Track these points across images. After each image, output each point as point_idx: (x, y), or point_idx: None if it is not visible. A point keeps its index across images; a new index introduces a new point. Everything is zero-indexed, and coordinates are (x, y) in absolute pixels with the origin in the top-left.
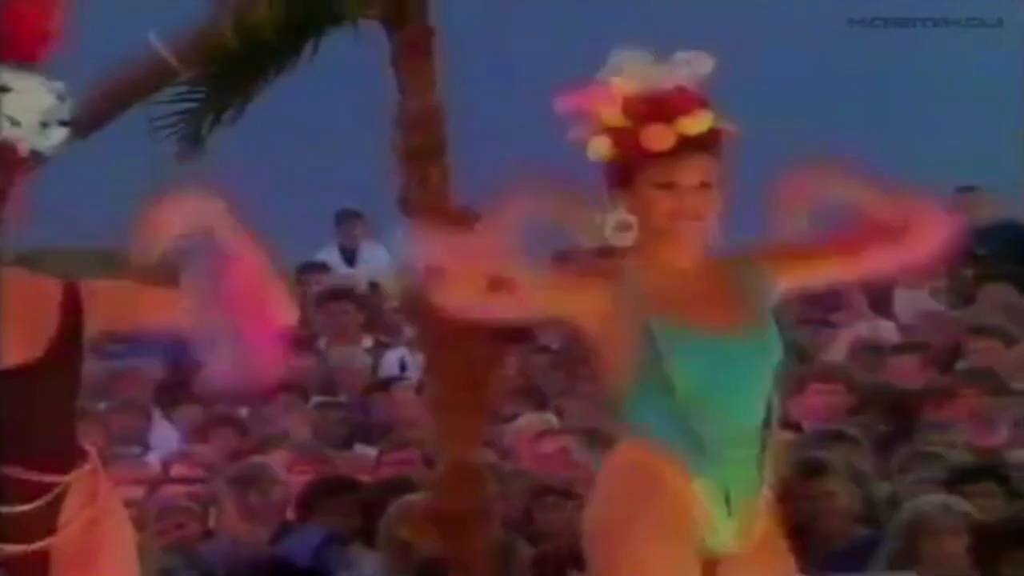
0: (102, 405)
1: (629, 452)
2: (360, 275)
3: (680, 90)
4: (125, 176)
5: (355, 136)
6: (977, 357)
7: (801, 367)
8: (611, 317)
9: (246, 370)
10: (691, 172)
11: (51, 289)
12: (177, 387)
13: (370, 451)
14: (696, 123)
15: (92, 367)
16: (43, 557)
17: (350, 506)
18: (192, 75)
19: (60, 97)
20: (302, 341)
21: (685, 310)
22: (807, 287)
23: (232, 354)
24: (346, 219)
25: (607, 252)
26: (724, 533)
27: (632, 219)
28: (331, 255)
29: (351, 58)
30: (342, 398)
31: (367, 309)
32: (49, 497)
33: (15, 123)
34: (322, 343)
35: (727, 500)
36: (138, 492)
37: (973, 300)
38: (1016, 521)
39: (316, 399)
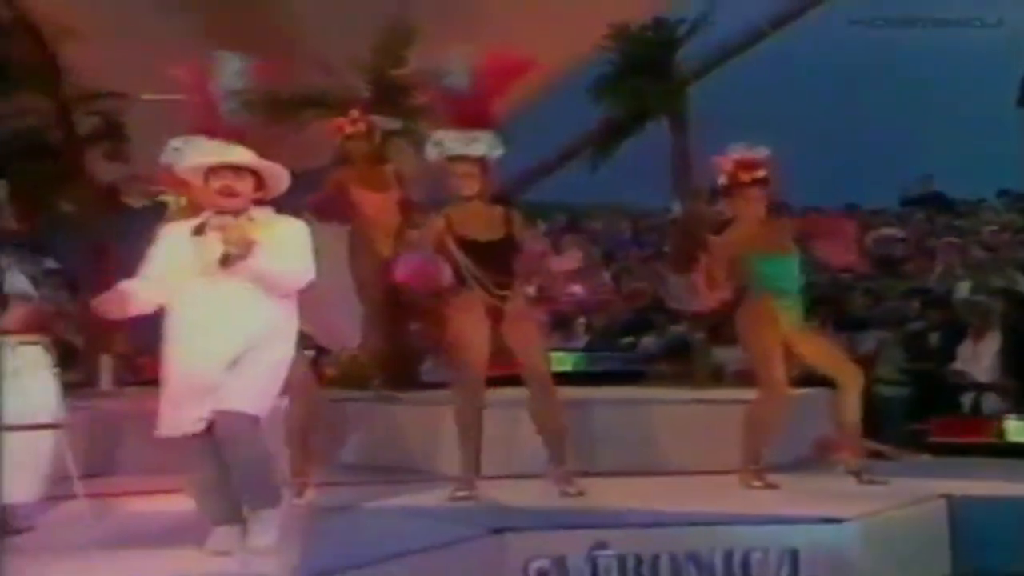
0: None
1: (752, 300)
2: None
3: (757, 159)
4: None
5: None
6: (925, 245)
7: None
8: (733, 258)
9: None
10: (755, 192)
11: (498, 209)
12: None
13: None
14: (760, 174)
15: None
16: (501, 313)
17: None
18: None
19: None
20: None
21: (760, 244)
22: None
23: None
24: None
25: (725, 222)
26: (789, 322)
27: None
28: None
29: (650, 134)
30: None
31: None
32: (506, 292)
33: (486, 150)
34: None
35: (789, 312)
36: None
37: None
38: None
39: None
